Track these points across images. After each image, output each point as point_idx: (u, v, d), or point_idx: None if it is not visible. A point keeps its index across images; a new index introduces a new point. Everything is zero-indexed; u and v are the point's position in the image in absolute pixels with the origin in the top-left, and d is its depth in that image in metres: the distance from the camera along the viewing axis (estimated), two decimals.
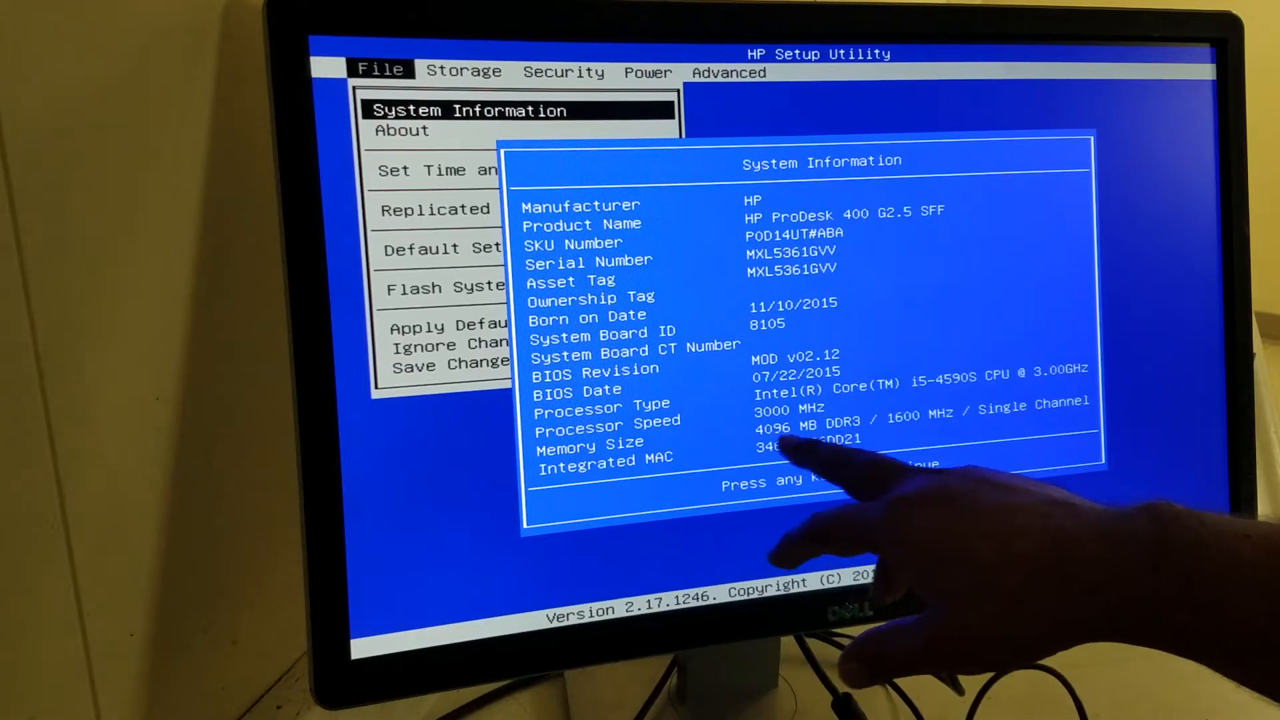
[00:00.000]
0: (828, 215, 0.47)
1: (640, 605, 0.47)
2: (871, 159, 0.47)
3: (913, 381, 0.49)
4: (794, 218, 0.46)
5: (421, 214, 0.42)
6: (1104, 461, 0.52)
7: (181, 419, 0.47)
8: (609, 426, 0.45)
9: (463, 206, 0.43)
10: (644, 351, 0.45)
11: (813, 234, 0.47)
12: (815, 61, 0.47)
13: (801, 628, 0.50)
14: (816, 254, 0.47)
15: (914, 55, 0.48)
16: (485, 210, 0.43)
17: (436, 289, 0.42)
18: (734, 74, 0.46)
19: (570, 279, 0.44)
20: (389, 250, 0.42)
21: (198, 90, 0.46)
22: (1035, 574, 0.31)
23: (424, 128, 0.42)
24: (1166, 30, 0.51)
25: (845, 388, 0.48)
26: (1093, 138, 0.51)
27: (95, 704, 0.44)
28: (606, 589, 0.46)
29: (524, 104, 0.43)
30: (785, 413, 0.47)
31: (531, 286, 0.44)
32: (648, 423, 0.45)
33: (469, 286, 0.43)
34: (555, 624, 0.45)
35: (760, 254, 0.46)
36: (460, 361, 0.43)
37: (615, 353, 0.44)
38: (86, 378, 0.42)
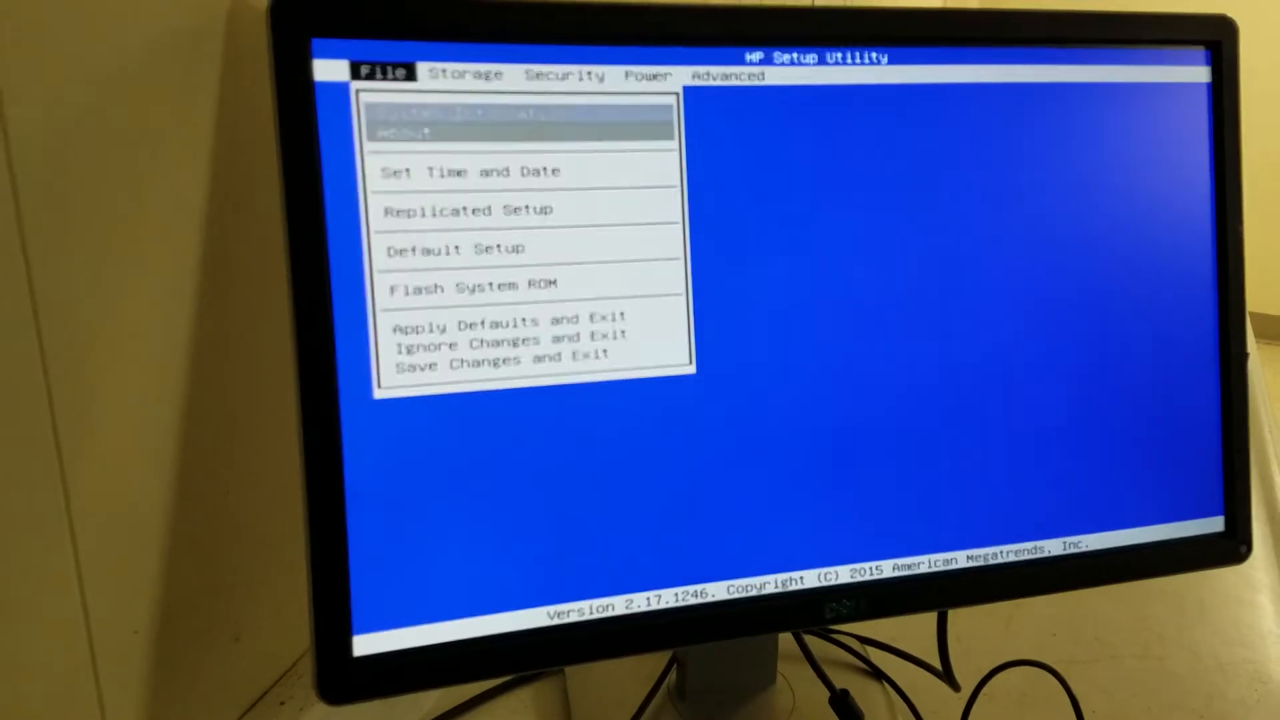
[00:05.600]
0: None
1: (639, 602, 0.47)
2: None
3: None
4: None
5: (424, 216, 0.42)
6: (1096, 460, 0.53)
7: (185, 418, 0.48)
8: None
9: (465, 208, 0.43)
10: None
11: None
12: (813, 65, 0.47)
13: (799, 625, 0.51)
14: None
15: (911, 58, 0.48)
16: (487, 212, 0.43)
17: (439, 290, 0.43)
18: (732, 77, 0.46)
19: None
20: (391, 252, 0.42)
21: (201, 92, 0.46)
22: None
23: (426, 130, 0.42)
24: (1161, 33, 0.52)
25: None
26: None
27: (100, 701, 0.45)
28: (606, 585, 0.46)
29: (525, 106, 0.43)
30: None
31: None
32: None
33: (471, 287, 0.43)
34: (555, 621, 0.46)
35: None
36: (462, 362, 0.43)
37: None
38: (91, 377, 0.42)
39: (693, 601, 0.48)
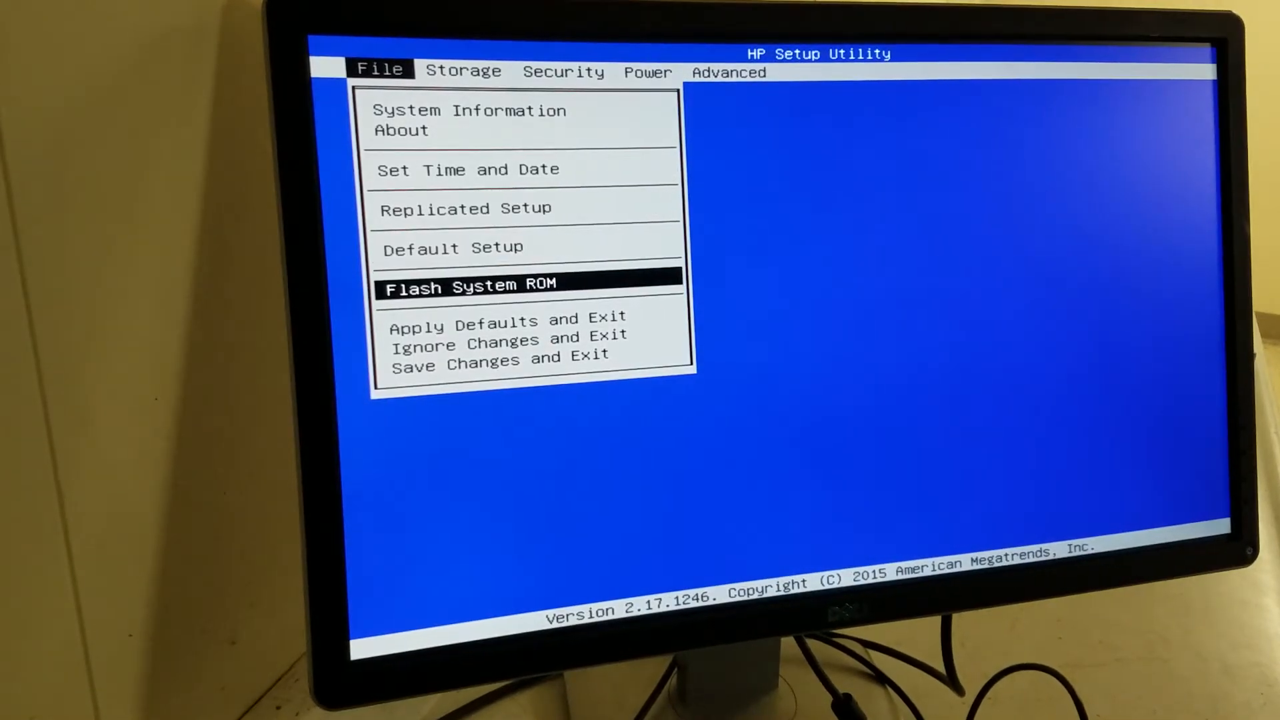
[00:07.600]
0: None
1: (640, 606, 0.46)
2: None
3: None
4: None
5: (421, 214, 0.42)
6: (1101, 462, 0.52)
7: (181, 419, 0.47)
8: None
9: (462, 207, 0.43)
10: None
11: None
12: (815, 61, 0.47)
13: (801, 628, 0.50)
14: None
15: (915, 55, 0.48)
16: (485, 210, 0.43)
17: (436, 289, 0.42)
18: (734, 74, 0.46)
19: None
20: (388, 250, 0.42)
21: (197, 90, 0.46)
22: None
23: (423, 127, 0.42)
24: (1167, 30, 0.51)
25: None
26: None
27: (94, 705, 0.44)
28: (606, 588, 0.46)
29: (524, 104, 0.43)
30: None
31: None
32: None
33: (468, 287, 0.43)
34: (555, 624, 0.45)
35: None
36: (460, 362, 0.43)
37: None
38: (86, 378, 0.42)
39: (694, 605, 0.47)
